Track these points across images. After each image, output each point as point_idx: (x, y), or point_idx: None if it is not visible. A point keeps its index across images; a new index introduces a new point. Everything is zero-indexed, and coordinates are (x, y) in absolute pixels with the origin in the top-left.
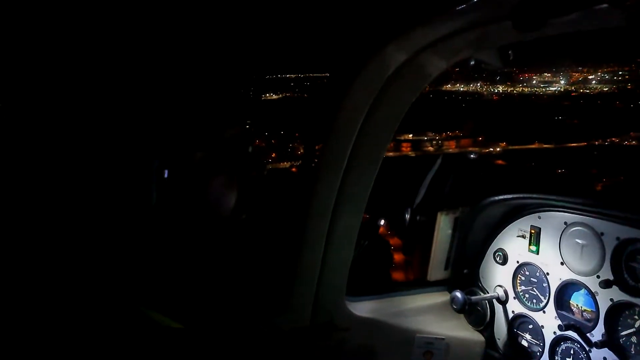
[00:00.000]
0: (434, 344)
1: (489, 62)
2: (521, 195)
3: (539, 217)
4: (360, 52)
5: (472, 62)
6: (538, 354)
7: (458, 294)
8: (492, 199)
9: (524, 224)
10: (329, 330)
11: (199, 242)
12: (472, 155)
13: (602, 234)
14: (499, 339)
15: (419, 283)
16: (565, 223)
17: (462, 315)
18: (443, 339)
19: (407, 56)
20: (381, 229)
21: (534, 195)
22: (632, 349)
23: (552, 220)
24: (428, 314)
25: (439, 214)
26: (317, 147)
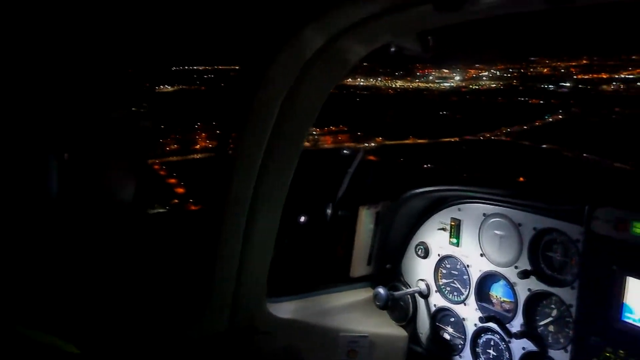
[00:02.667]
0: (358, 342)
1: (410, 48)
2: (441, 188)
3: (459, 210)
4: (275, 37)
5: (393, 49)
6: (460, 346)
7: (381, 290)
8: (413, 192)
9: (444, 217)
10: (249, 334)
11: (100, 240)
12: (345, 151)
13: (519, 224)
14: (421, 334)
15: (342, 280)
16: (484, 214)
17: (385, 312)
18: (367, 336)
19: (324, 40)
20: (302, 226)
21: (454, 187)
22: (549, 338)
23: (471, 212)
24: (351, 311)
25: (360, 209)
26: (230, 141)
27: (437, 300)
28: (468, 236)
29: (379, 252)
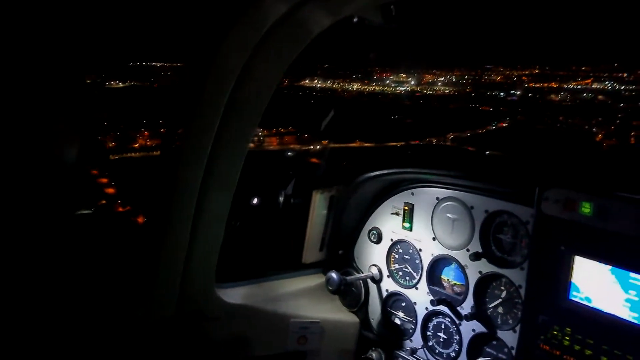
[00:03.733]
0: (309, 328)
1: (372, 19)
2: (395, 170)
3: (412, 194)
4: (233, 6)
5: (355, 20)
6: (411, 330)
7: (333, 275)
8: (367, 175)
9: (397, 201)
10: (197, 320)
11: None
12: (289, 153)
13: (472, 207)
14: (373, 319)
15: (294, 266)
16: (437, 198)
17: (337, 298)
18: (318, 322)
19: (287, 8)
20: (254, 209)
21: (408, 170)
22: (498, 319)
23: (424, 196)
24: (303, 297)
25: (314, 193)
26: (180, 126)
27: (388, 285)
28: (421, 220)
29: (332, 237)
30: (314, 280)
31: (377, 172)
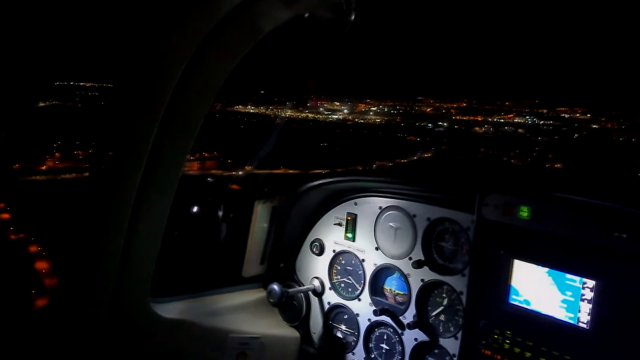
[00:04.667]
0: (249, 344)
1: (324, 15)
2: (338, 179)
3: (355, 204)
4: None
5: (307, 15)
6: (353, 343)
7: (275, 287)
8: (309, 184)
9: (340, 212)
10: (130, 335)
11: None
12: (209, 179)
13: (414, 215)
14: (314, 333)
15: (234, 280)
16: (380, 207)
17: (278, 312)
18: (258, 337)
19: (240, 1)
20: (193, 220)
21: (351, 178)
22: (440, 327)
23: (367, 206)
24: (242, 312)
25: (256, 203)
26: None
27: (331, 298)
28: (364, 230)
29: (274, 250)
30: (255, 294)
31: (319, 181)
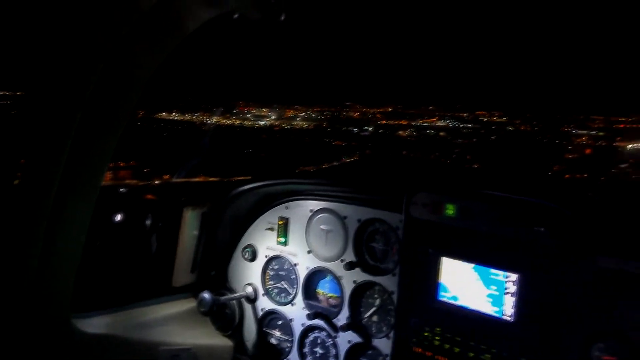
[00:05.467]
0: (180, 355)
1: (253, 15)
2: (268, 182)
3: (287, 207)
4: None
5: (236, 16)
6: (287, 349)
7: (206, 295)
8: (240, 189)
9: (272, 216)
10: (50, 354)
11: None
12: (122, 190)
13: (345, 217)
14: (248, 341)
15: (163, 290)
16: (311, 210)
17: (210, 322)
18: (189, 349)
19: None
20: (117, 228)
21: (281, 181)
22: (373, 328)
23: (299, 209)
24: (173, 323)
25: (185, 210)
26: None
27: (264, 304)
28: (296, 234)
29: (204, 257)
30: (185, 304)
31: (250, 185)
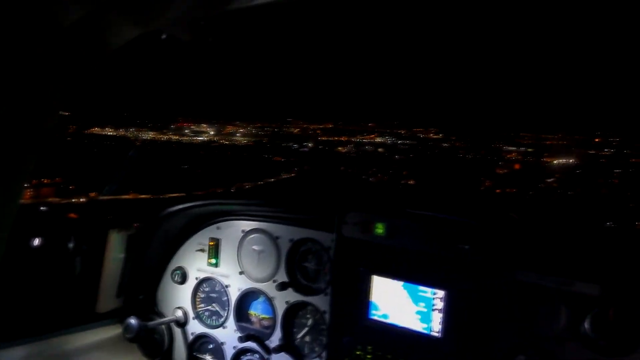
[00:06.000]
0: None
1: (182, 36)
2: (199, 203)
3: (218, 228)
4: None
5: (164, 37)
6: None
7: (132, 321)
8: (169, 210)
9: (203, 237)
10: None
11: None
12: (42, 208)
13: (277, 237)
14: None
15: (86, 317)
16: (243, 231)
17: (137, 349)
18: None
19: (80, 14)
20: (35, 252)
21: (212, 201)
22: (305, 348)
23: (230, 230)
24: (98, 351)
25: (110, 233)
26: None
27: (195, 328)
28: (227, 255)
29: (131, 281)
30: (111, 330)
31: (180, 206)
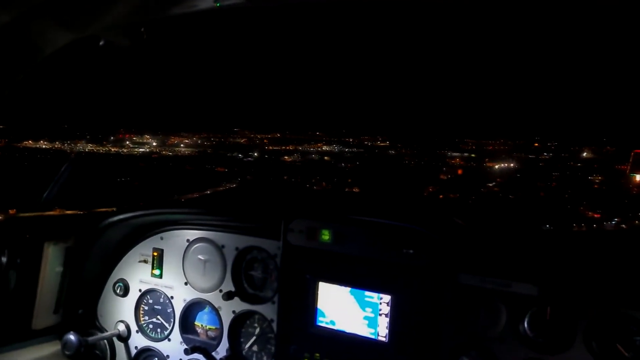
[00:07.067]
0: None
1: (121, 42)
2: (141, 212)
3: (162, 238)
4: None
5: (102, 43)
6: None
7: (71, 337)
8: (109, 220)
9: (145, 248)
10: None
11: None
12: None
13: (223, 246)
14: None
15: (21, 334)
16: (188, 240)
17: None
18: None
19: (10, 18)
20: None
21: (154, 211)
22: (253, 358)
23: (174, 240)
24: None
25: (46, 246)
26: None
27: (138, 341)
28: (171, 265)
29: (70, 295)
30: (48, 348)
31: (121, 216)
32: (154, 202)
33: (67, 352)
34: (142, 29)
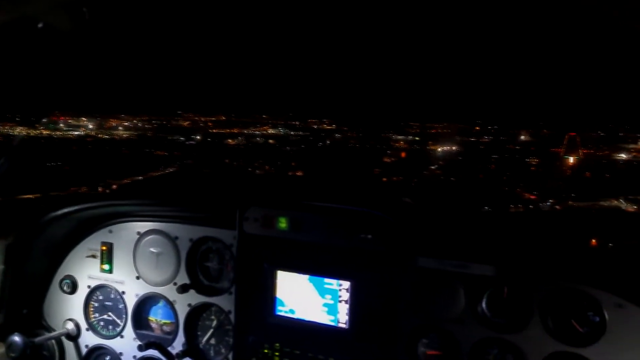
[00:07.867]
0: None
1: (61, 24)
2: (87, 205)
3: (110, 232)
4: None
5: (41, 25)
6: None
7: (16, 338)
8: (52, 214)
9: (93, 242)
10: None
11: None
12: None
13: (176, 238)
14: None
15: None
16: (139, 233)
17: None
18: None
19: None
20: None
21: (101, 203)
22: (211, 351)
23: (124, 233)
24: None
25: None
26: None
27: (88, 340)
28: (122, 260)
29: (13, 295)
30: None
31: (65, 210)
32: (103, 194)
33: (12, 354)
34: (85, 9)
